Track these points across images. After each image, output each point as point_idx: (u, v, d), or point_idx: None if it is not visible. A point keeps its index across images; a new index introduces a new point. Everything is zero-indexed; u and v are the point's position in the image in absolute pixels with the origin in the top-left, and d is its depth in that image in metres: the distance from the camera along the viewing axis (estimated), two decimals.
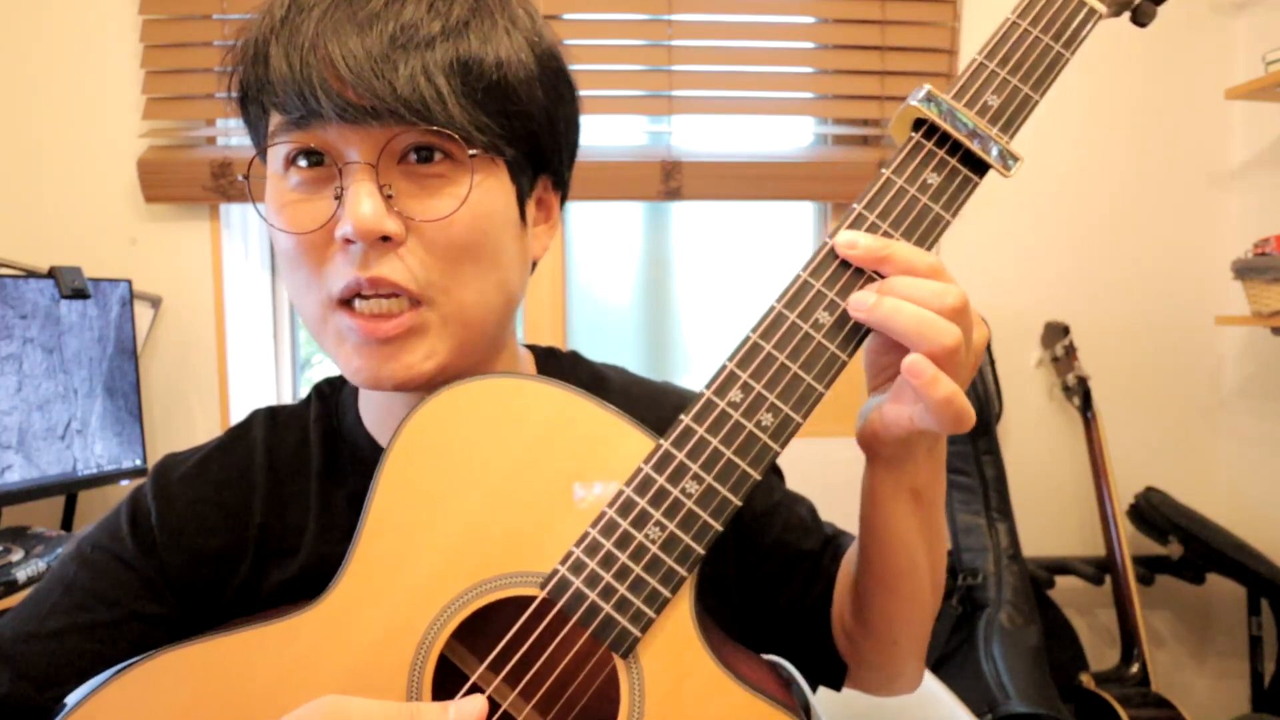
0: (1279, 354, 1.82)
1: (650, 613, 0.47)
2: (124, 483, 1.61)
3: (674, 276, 1.96)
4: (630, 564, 0.47)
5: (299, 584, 0.59)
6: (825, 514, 0.72)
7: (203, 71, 1.72)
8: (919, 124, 0.51)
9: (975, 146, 0.49)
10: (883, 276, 0.48)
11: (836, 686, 0.67)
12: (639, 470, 0.48)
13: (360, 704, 0.43)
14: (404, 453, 0.50)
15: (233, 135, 1.77)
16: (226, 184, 1.68)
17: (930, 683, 1.06)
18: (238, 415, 1.78)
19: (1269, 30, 1.80)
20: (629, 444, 0.49)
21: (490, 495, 0.49)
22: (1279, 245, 1.61)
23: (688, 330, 1.97)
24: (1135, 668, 1.67)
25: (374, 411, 0.63)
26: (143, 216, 1.74)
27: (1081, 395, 1.79)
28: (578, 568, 0.48)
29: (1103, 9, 0.52)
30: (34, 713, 0.55)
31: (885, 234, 0.49)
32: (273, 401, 1.90)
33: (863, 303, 0.47)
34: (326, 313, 0.53)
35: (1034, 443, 1.89)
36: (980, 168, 0.50)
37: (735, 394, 0.48)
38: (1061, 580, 1.80)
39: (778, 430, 0.48)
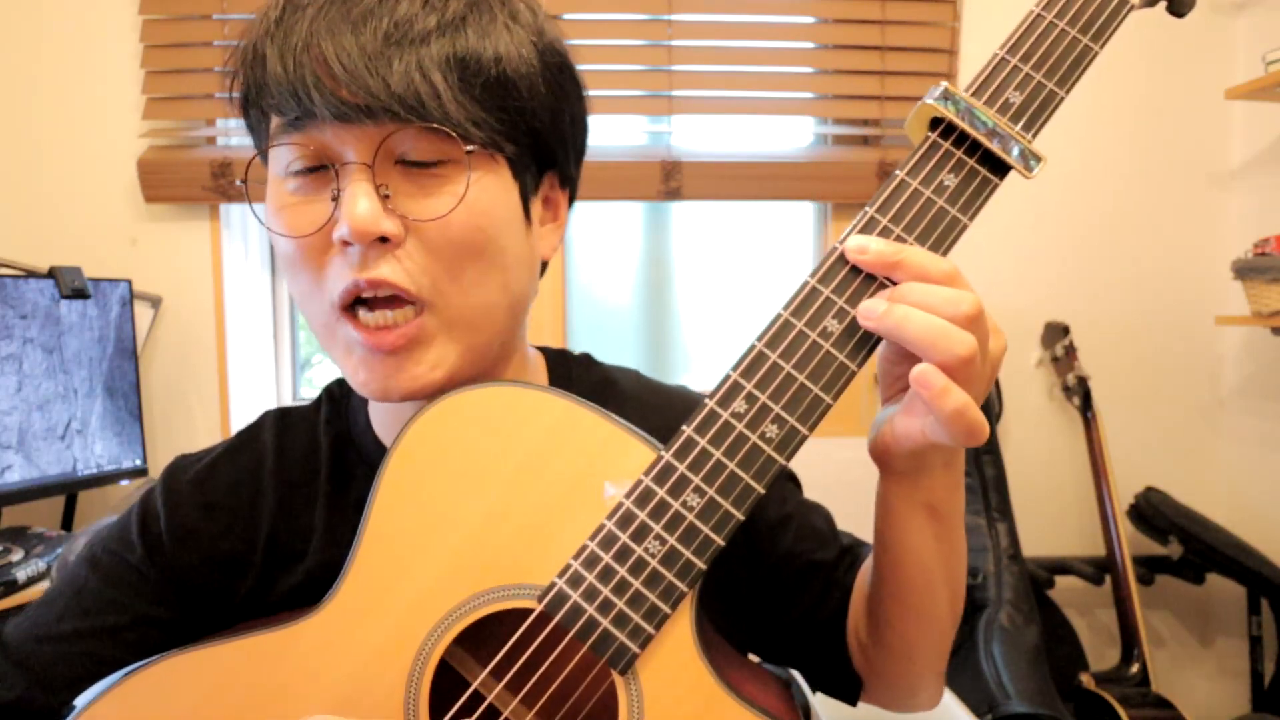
0: (1279, 354, 1.82)
1: (649, 629, 0.46)
2: (124, 482, 1.61)
3: (674, 276, 1.96)
4: (629, 578, 0.46)
5: (306, 589, 0.58)
6: None
7: (203, 71, 1.72)
8: (935, 123, 0.49)
9: (995, 146, 0.47)
10: (895, 283, 0.46)
11: (852, 701, 0.65)
12: (639, 482, 0.47)
13: None
14: (403, 461, 0.50)
15: (233, 135, 1.77)
16: (226, 184, 1.68)
17: None
18: (238, 415, 1.78)
19: (1269, 30, 1.80)
20: (630, 455, 0.48)
21: (489, 506, 0.49)
22: (1279, 245, 1.61)
23: (688, 330, 1.97)
24: (1135, 668, 1.67)
25: (383, 416, 0.63)
26: (143, 216, 1.73)
27: (1081, 395, 1.79)
28: (575, 581, 0.47)
29: None
30: (44, 714, 0.55)
31: (898, 238, 0.47)
32: (272, 401, 1.90)
33: (872, 310, 0.45)
34: (333, 322, 0.52)
35: (1034, 443, 1.89)
36: (1000, 168, 0.48)
37: (739, 404, 0.47)
38: (1061, 580, 1.80)
39: (783, 442, 0.46)
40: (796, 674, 0.68)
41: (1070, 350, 1.82)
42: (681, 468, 0.47)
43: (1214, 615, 1.97)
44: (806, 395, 0.46)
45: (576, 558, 0.47)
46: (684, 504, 0.46)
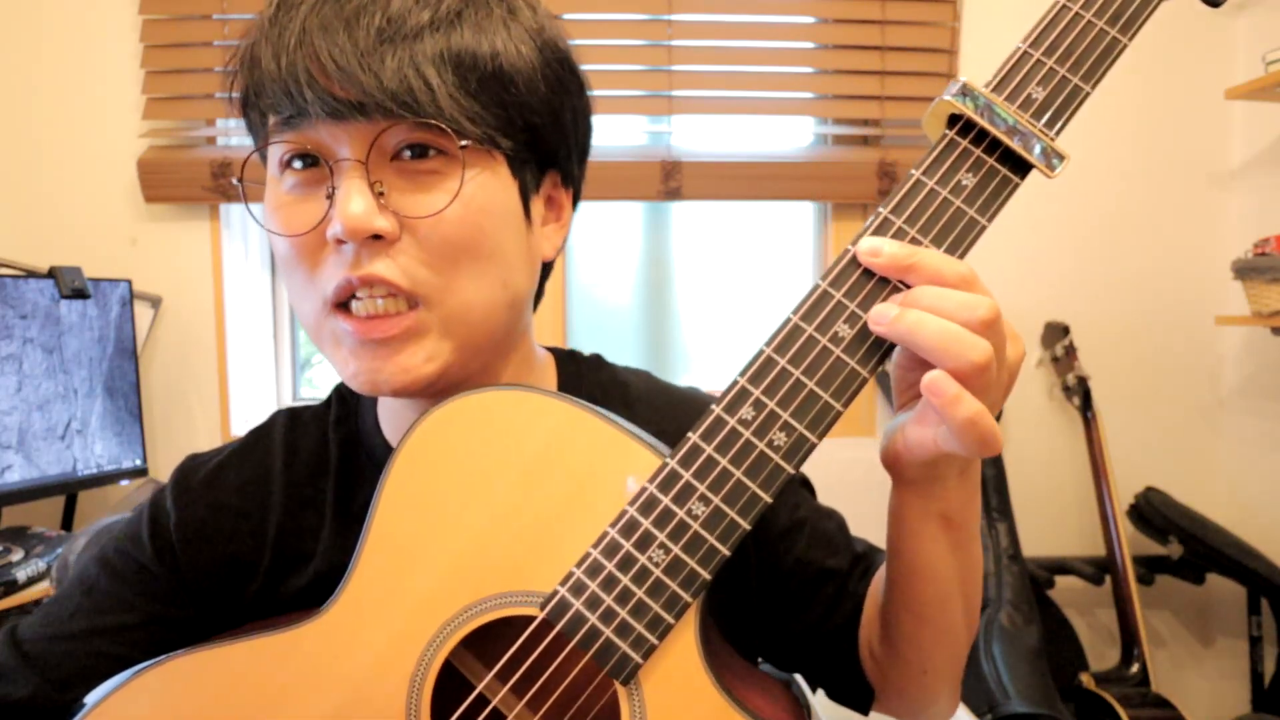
0: (1279, 354, 1.82)
1: (652, 639, 0.45)
2: (124, 482, 1.61)
3: (674, 276, 1.96)
4: (633, 587, 0.45)
5: (314, 590, 0.58)
6: None
7: (203, 71, 1.72)
8: (954, 120, 0.46)
9: (1015, 144, 0.45)
10: (908, 287, 0.44)
11: (864, 711, 0.64)
12: (643, 489, 0.46)
13: None
14: (407, 465, 0.50)
15: (233, 135, 1.77)
16: (226, 184, 1.68)
17: None
18: (238, 415, 1.78)
19: (1269, 30, 1.80)
20: (635, 461, 0.48)
21: (492, 511, 0.49)
22: (1279, 245, 1.61)
23: (688, 330, 1.97)
24: (1135, 668, 1.67)
25: (391, 417, 0.62)
26: (143, 216, 1.73)
27: (1081, 395, 1.79)
28: (578, 589, 0.46)
29: None
30: (54, 712, 0.56)
31: (913, 240, 0.45)
32: (272, 401, 1.90)
33: (884, 315, 0.44)
34: (323, 317, 0.52)
35: (1034, 443, 1.89)
36: (1021, 167, 0.46)
37: (746, 411, 0.45)
38: (1061, 580, 1.80)
39: (791, 450, 0.45)
40: (797, 675, 0.68)
41: (1070, 350, 1.82)
42: (687, 475, 0.46)
43: (1214, 615, 1.96)
44: (816, 402, 0.45)
45: (580, 565, 0.46)
46: (689, 512, 0.45)
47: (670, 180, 1.75)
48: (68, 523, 1.62)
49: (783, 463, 0.45)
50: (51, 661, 0.57)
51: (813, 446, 0.45)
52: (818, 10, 1.81)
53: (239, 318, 1.80)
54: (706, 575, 0.45)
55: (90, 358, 1.54)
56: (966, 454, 0.44)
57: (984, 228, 0.46)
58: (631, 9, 1.77)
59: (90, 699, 0.49)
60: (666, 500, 0.46)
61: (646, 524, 0.46)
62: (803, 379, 0.45)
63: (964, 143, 0.46)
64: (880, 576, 0.60)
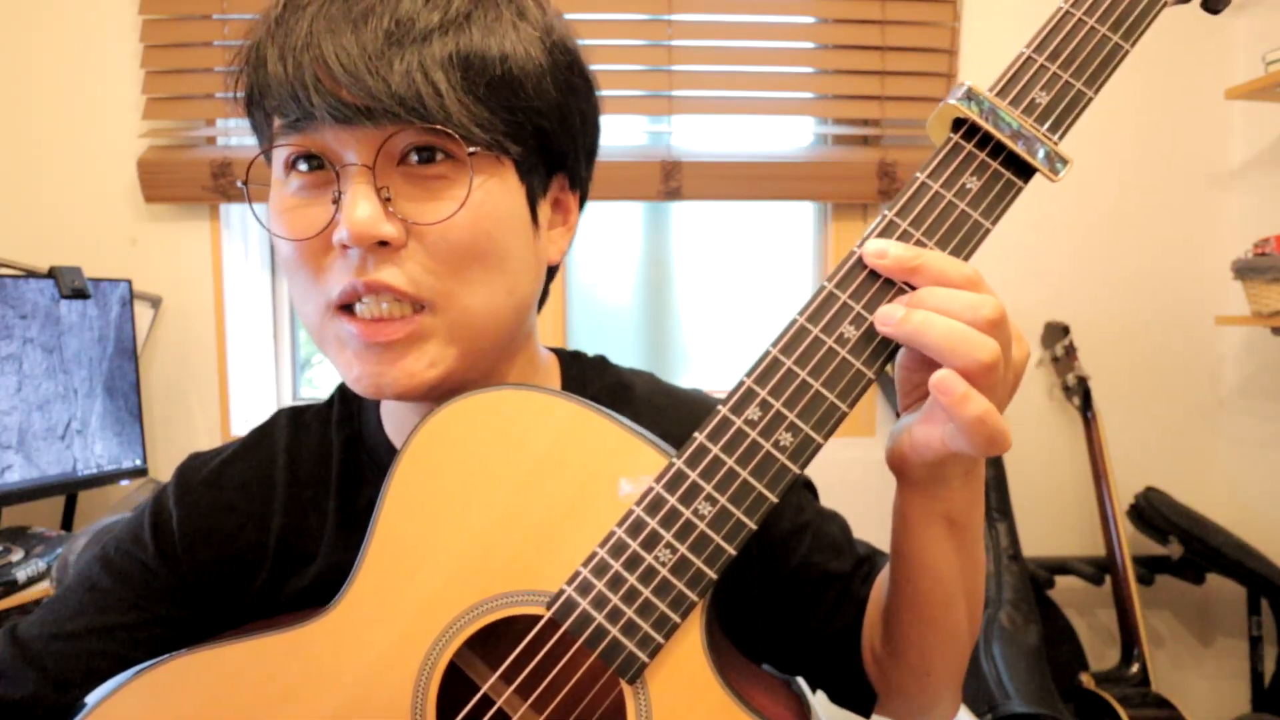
0: (1279, 354, 1.82)
1: (658, 638, 0.45)
2: (124, 482, 1.61)
3: (674, 276, 1.96)
4: (639, 586, 0.46)
5: (317, 590, 0.58)
6: None
7: (203, 71, 1.72)
8: (958, 124, 0.47)
9: (1019, 148, 0.46)
10: (914, 288, 0.45)
11: (866, 714, 0.63)
12: (650, 489, 0.46)
13: None
14: (413, 464, 0.50)
15: (233, 135, 1.77)
16: (226, 184, 1.68)
17: None
18: (238, 415, 1.78)
19: (1269, 30, 1.80)
20: (641, 461, 0.48)
21: (498, 510, 0.49)
22: (1279, 245, 1.61)
23: (688, 330, 1.97)
24: (1135, 668, 1.67)
25: (394, 417, 0.62)
26: (143, 216, 1.73)
27: (1081, 395, 1.79)
28: (584, 588, 0.46)
29: None
30: (55, 712, 0.55)
31: (918, 243, 0.46)
32: (272, 401, 1.90)
33: (890, 316, 0.44)
34: (326, 318, 0.52)
35: (1034, 443, 1.89)
36: (1025, 171, 0.46)
37: (753, 411, 0.46)
38: (1061, 580, 1.80)
39: (797, 450, 0.45)
40: (798, 677, 0.68)
41: (1070, 350, 1.82)
42: (693, 475, 0.46)
43: (1214, 615, 1.97)
44: (822, 403, 0.46)
45: (586, 565, 0.47)
46: (695, 512, 0.46)
47: (670, 180, 1.75)
48: (68, 523, 1.62)
49: (789, 463, 0.46)
50: (52, 661, 0.56)
51: (819, 447, 0.46)
52: (818, 10, 1.81)
53: (239, 318, 1.80)
54: (713, 575, 0.45)
55: (90, 358, 1.54)
56: (975, 453, 0.44)
57: (988, 230, 0.46)
58: (631, 9, 1.77)
59: (91, 699, 0.49)
60: (673, 500, 0.46)
61: (653, 523, 0.46)
62: (809, 380, 0.46)
63: (968, 146, 0.47)
64: (882, 579, 0.60)
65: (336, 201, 0.49)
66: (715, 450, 0.46)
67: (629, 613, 0.46)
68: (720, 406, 0.46)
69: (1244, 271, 1.66)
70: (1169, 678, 1.94)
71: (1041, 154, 0.46)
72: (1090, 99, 0.47)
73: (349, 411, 0.65)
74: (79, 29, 1.70)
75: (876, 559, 0.65)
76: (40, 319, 1.45)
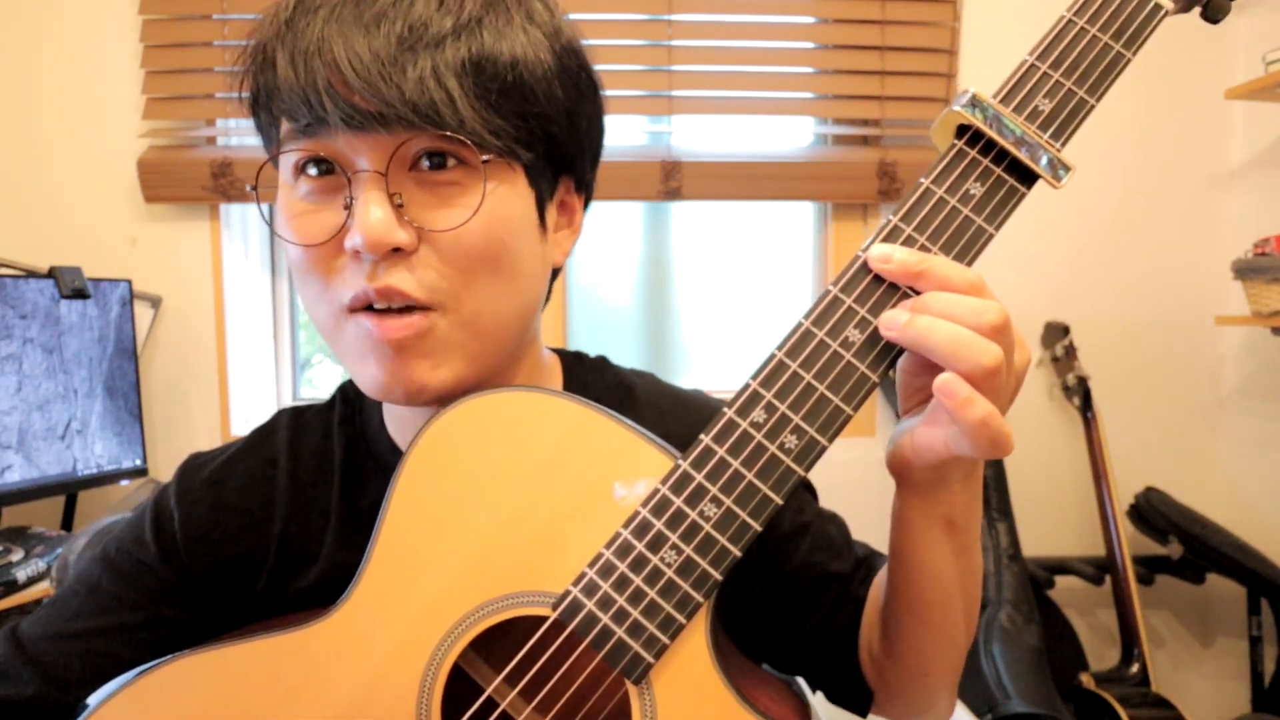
0: (1279, 354, 1.82)
1: (664, 639, 0.46)
2: (124, 482, 1.61)
3: (674, 276, 1.96)
4: (645, 588, 0.46)
5: (319, 590, 0.58)
6: None
7: (203, 71, 1.72)
8: (962, 130, 0.48)
9: (1023, 155, 0.46)
10: (918, 293, 0.45)
11: (863, 713, 0.64)
12: (656, 491, 0.47)
13: None
14: (418, 466, 0.50)
15: (233, 135, 1.77)
16: (226, 184, 1.68)
17: None
18: (238, 415, 1.78)
19: (1269, 30, 1.80)
20: (646, 462, 0.48)
21: (504, 511, 0.49)
22: (1279, 245, 1.61)
23: (688, 330, 1.97)
24: (1135, 668, 1.67)
25: (397, 418, 0.62)
26: (143, 216, 1.73)
27: (1081, 395, 1.79)
28: (590, 590, 0.46)
29: (1169, 4, 0.48)
30: (57, 713, 0.55)
31: (922, 248, 0.46)
32: (272, 401, 1.90)
33: (895, 321, 0.44)
34: (340, 320, 0.52)
35: (1034, 443, 1.89)
36: (1028, 177, 0.47)
37: (758, 414, 0.46)
38: (1061, 580, 1.80)
39: (802, 453, 0.46)
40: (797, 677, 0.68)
41: (1070, 350, 1.82)
42: (699, 477, 0.46)
43: (1214, 615, 1.97)
44: (826, 406, 0.46)
45: (592, 566, 0.47)
46: (701, 514, 0.46)
47: (670, 180, 1.75)
48: (68, 523, 1.62)
49: (794, 465, 0.46)
50: (53, 661, 0.56)
51: (823, 449, 0.46)
52: (818, 10, 1.81)
53: (239, 318, 1.80)
54: (718, 576, 0.46)
55: (90, 358, 1.54)
56: (978, 455, 0.44)
57: (991, 236, 0.47)
58: (631, 9, 1.77)
59: (93, 700, 0.49)
60: (679, 502, 0.46)
61: (659, 525, 0.46)
62: (814, 383, 0.46)
63: (972, 153, 0.47)
64: (880, 580, 0.60)
65: (348, 207, 0.49)
66: (721, 452, 0.46)
67: (635, 614, 0.46)
68: (726, 409, 0.47)
69: (1244, 271, 1.66)
70: (1169, 678, 1.94)
71: (1045, 161, 0.46)
72: (1092, 106, 0.47)
73: (351, 411, 0.65)
74: (79, 29, 1.70)
75: (875, 560, 0.66)
76: (40, 319, 1.45)
